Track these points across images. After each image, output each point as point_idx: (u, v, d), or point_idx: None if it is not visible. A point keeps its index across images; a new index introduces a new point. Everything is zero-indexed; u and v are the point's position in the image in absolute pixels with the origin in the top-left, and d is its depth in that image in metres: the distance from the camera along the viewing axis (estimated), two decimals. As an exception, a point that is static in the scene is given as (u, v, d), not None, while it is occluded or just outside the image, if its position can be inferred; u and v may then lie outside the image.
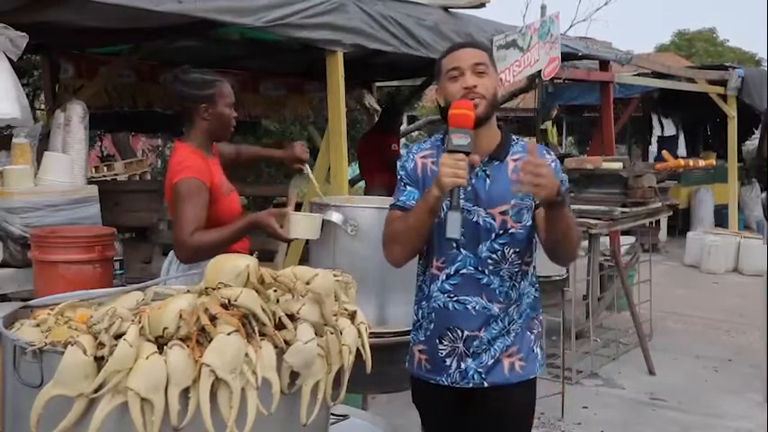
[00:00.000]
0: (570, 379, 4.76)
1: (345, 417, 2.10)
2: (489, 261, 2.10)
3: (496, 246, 2.09)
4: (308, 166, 3.03)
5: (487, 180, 2.09)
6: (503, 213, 2.08)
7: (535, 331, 2.19)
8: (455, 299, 2.12)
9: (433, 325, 2.17)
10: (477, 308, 2.11)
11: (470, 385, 2.13)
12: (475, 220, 2.09)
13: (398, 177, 2.20)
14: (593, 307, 5.56)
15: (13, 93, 2.92)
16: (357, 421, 2.13)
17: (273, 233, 2.63)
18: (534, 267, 2.19)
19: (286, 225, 2.62)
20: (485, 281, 2.10)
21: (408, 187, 2.16)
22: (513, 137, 2.17)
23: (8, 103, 2.90)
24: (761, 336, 5.95)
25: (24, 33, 2.91)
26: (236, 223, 2.67)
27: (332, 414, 1.76)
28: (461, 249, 2.10)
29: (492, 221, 2.08)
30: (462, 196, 1.99)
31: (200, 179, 2.62)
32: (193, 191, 2.59)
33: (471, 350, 2.12)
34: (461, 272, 2.11)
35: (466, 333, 2.12)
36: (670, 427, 4.28)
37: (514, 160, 2.09)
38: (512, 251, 2.10)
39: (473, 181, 2.07)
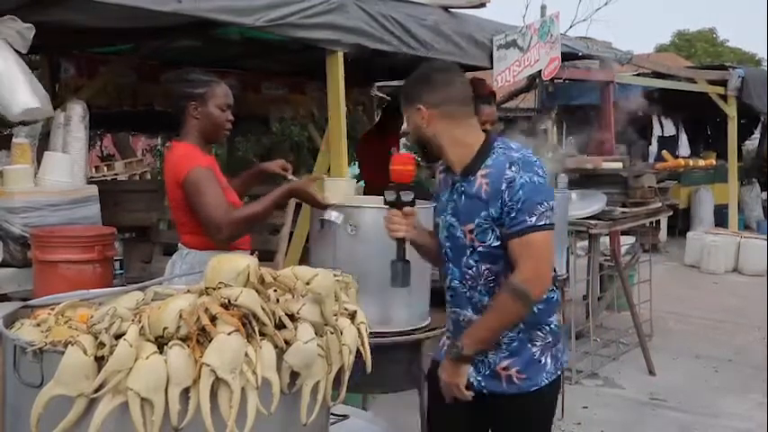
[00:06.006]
0: (570, 379, 4.75)
1: (345, 417, 2.10)
2: (467, 276, 2.14)
3: (471, 261, 2.12)
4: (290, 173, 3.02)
5: (463, 196, 2.11)
6: (470, 232, 2.10)
7: (539, 343, 2.14)
8: (452, 310, 2.22)
9: (450, 329, 2.28)
10: (464, 320, 2.16)
11: (473, 388, 2.15)
12: (457, 234, 2.14)
13: None
14: (593, 307, 5.55)
15: (28, 83, 2.91)
16: (357, 421, 2.13)
17: (313, 200, 2.68)
18: None
19: (322, 191, 2.68)
20: (468, 294, 2.15)
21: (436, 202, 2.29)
22: (499, 144, 2.11)
23: (26, 95, 2.88)
24: (761, 336, 5.96)
25: (31, 24, 2.89)
26: (272, 193, 2.68)
27: (332, 414, 1.76)
28: (450, 264, 2.18)
29: (464, 238, 2.12)
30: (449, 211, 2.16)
31: (209, 168, 2.66)
32: (208, 176, 2.62)
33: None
34: (452, 285, 2.19)
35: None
36: (670, 427, 4.28)
37: (482, 176, 2.07)
38: (484, 268, 2.11)
39: (455, 197, 2.14)
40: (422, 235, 2.25)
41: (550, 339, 2.16)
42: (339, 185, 2.76)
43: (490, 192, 2.04)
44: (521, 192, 2.00)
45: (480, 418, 2.20)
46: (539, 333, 2.13)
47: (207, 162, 2.69)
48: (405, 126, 9.73)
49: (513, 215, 2.01)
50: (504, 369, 2.12)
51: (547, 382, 2.14)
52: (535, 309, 2.09)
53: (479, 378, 2.15)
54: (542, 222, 2.01)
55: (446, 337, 2.33)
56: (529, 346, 2.12)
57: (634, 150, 12.01)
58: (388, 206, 2.14)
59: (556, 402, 2.31)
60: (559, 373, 2.19)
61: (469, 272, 2.13)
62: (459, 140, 2.12)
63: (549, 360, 2.15)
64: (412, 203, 2.15)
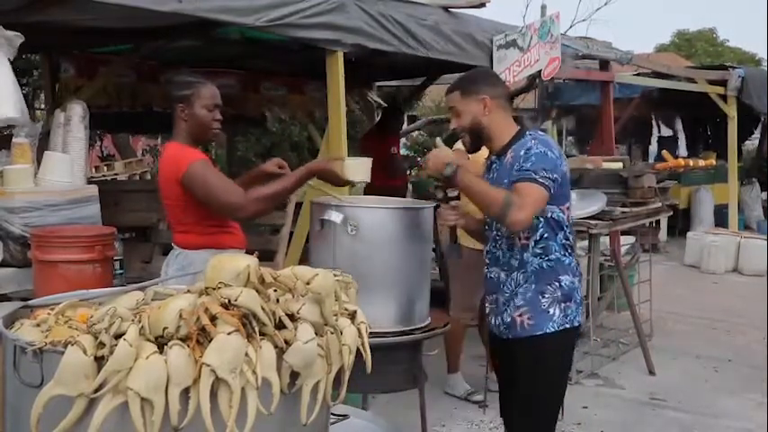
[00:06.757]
0: (570, 379, 4.75)
1: (345, 417, 2.10)
2: (497, 237, 2.62)
3: (497, 224, 2.59)
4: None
5: (495, 172, 2.60)
6: None
7: (548, 296, 2.52)
8: (487, 271, 2.68)
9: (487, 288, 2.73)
10: (493, 276, 2.64)
11: (502, 336, 2.63)
12: None
13: None
14: (593, 307, 5.54)
15: (12, 94, 2.93)
16: (357, 421, 2.13)
17: (336, 178, 2.76)
18: (537, 242, 2.53)
19: (342, 171, 2.76)
20: (497, 254, 2.62)
21: None
22: (528, 133, 2.55)
23: (8, 106, 2.91)
24: (761, 336, 5.96)
25: (19, 33, 2.90)
26: (294, 172, 2.78)
27: (332, 414, 1.76)
28: (488, 230, 2.66)
29: None
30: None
31: (204, 159, 2.70)
32: (206, 166, 2.67)
33: (497, 310, 2.63)
34: (488, 248, 2.67)
35: (492, 296, 2.65)
36: (670, 427, 4.28)
37: (510, 152, 2.55)
38: (505, 228, 2.54)
39: (490, 174, 2.64)
40: (471, 222, 2.73)
41: (559, 294, 2.53)
42: (359, 164, 2.81)
43: (512, 161, 2.50)
44: (533, 157, 2.44)
45: (507, 360, 2.66)
46: (548, 287, 2.53)
47: (200, 156, 2.72)
48: (404, 126, 9.74)
49: (522, 170, 2.44)
50: (520, 315, 2.54)
51: (552, 330, 2.50)
52: (545, 265, 2.52)
53: (503, 327, 2.61)
54: (543, 181, 2.42)
55: (487, 301, 2.73)
56: (539, 297, 2.52)
57: (634, 150, 12.05)
58: (441, 201, 2.66)
59: (565, 355, 2.63)
60: (568, 326, 2.53)
61: (497, 233, 2.60)
62: (503, 128, 2.59)
63: (557, 311, 2.52)
64: (457, 197, 2.68)
